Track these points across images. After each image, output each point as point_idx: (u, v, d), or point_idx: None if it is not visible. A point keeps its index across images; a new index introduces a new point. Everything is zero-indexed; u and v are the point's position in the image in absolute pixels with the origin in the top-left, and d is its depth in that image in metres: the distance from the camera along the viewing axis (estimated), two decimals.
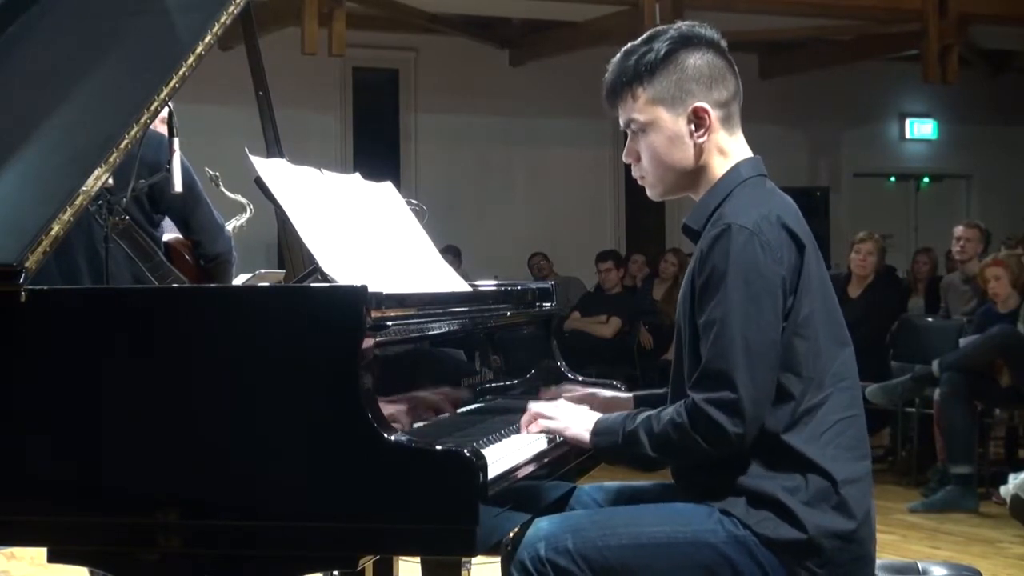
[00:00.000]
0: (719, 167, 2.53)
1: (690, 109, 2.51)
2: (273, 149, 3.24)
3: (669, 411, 2.42)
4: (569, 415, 2.61)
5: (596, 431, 2.53)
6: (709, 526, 2.41)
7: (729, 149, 2.54)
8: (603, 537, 2.43)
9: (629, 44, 2.58)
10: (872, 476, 2.52)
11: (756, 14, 10.54)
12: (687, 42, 2.53)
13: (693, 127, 2.51)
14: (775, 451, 2.41)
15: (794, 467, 2.41)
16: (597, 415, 2.59)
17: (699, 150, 2.53)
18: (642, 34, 2.60)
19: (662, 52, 2.52)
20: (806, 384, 2.42)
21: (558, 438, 2.59)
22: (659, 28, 2.59)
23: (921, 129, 14.32)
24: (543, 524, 2.48)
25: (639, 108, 2.54)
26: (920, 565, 2.68)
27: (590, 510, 2.64)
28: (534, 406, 2.66)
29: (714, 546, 2.40)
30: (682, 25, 2.58)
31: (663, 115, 2.52)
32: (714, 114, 2.51)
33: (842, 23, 11.45)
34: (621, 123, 2.59)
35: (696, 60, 2.52)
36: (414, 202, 3.17)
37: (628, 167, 2.63)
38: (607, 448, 2.52)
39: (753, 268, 2.36)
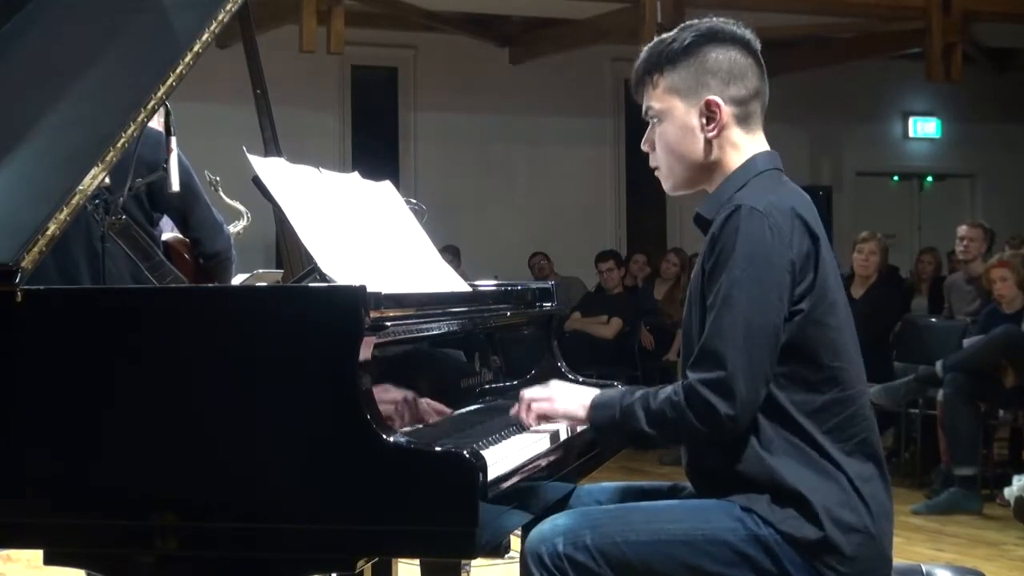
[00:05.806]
0: (734, 163, 2.51)
1: (702, 102, 2.49)
2: (271, 148, 3.23)
3: (667, 389, 2.40)
4: (563, 393, 2.59)
5: (594, 405, 2.49)
6: (729, 524, 2.39)
7: (744, 147, 2.52)
8: (622, 533, 2.41)
9: (664, 34, 2.58)
10: (887, 476, 2.50)
11: (758, 12, 10.50)
12: (713, 36, 2.52)
13: (704, 120, 2.50)
14: (797, 447, 2.39)
15: (815, 464, 2.39)
16: (593, 390, 2.57)
17: (709, 145, 2.50)
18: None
19: (685, 42, 2.51)
20: (826, 375, 2.40)
21: (562, 436, 2.57)
22: (694, 21, 2.58)
23: (924, 128, 14.30)
24: (561, 519, 2.46)
25: (656, 96, 2.54)
26: (924, 567, 2.66)
27: (609, 506, 2.62)
28: (526, 392, 2.62)
29: (733, 544, 2.38)
30: (717, 20, 2.57)
31: (677, 105, 2.51)
32: (727, 110, 2.49)
33: (845, 21, 11.43)
34: (643, 111, 2.58)
35: (718, 55, 2.50)
36: (413, 201, 3.15)
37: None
38: (604, 424, 2.48)
39: (760, 248, 2.35)
